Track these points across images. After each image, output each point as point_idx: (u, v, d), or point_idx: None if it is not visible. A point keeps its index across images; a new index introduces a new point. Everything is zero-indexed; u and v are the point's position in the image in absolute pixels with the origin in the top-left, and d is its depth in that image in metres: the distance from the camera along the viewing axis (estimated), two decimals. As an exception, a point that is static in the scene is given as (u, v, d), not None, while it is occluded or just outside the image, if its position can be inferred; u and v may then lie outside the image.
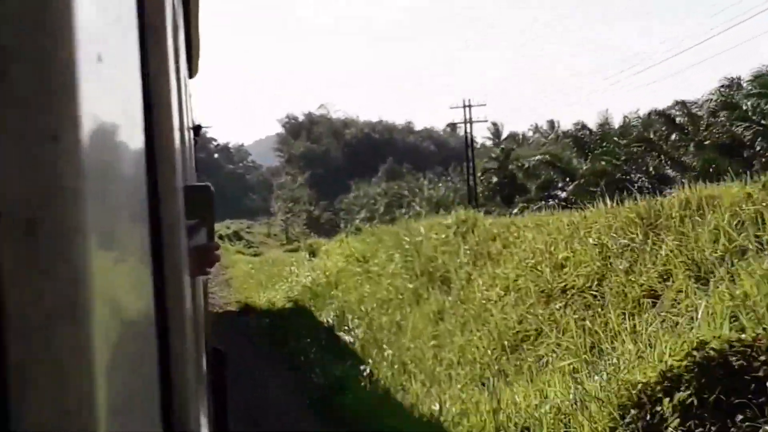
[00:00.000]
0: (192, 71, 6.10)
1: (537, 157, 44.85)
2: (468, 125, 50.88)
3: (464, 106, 49.44)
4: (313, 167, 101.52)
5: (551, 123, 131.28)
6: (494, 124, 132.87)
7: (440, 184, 72.43)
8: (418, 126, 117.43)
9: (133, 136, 1.05)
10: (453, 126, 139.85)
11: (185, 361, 1.70)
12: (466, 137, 55.22)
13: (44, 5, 0.61)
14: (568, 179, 42.16)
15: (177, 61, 2.40)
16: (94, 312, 0.64)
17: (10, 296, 0.60)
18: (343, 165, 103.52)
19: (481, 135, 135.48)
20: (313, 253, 32.91)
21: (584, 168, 38.97)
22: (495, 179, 49.15)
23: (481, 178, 51.75)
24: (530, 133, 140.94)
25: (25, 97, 0.60)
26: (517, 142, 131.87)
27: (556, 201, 42.76)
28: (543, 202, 41.57)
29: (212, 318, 14.75)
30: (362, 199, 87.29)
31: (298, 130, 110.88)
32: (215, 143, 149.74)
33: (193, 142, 5.45)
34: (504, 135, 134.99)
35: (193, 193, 2.45)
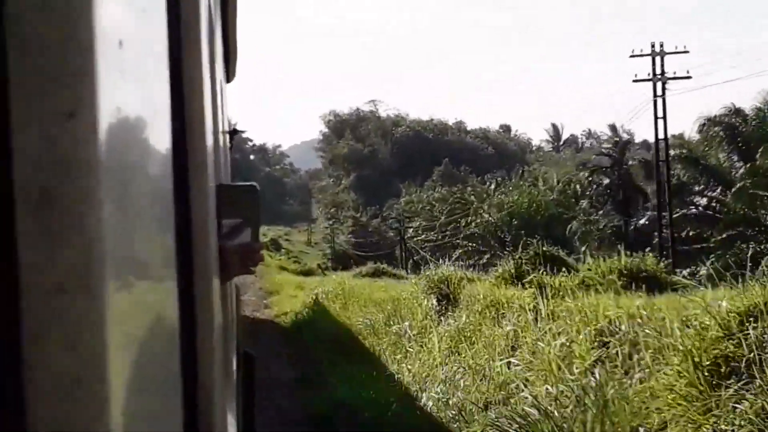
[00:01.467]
0: (229, 75, 6.04)
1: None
2: (659, 83, 33.30)
3: (653, 54, 33.74)
4: (359, 169, 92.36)
5: (612, 127, 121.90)
6: (553, 126, 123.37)
7: (510, 188, 62.71)
8: (470, 125, 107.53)
9: (157, 126, 1.06)
10: (507, 128, 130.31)
11: (212, 358, 1.70)
12: (655, 105, 33.76)
13: None
14: (712, 180, 32.11)
15: (212, 63, 2.40)
16: (107, 284, 0.65)
17: (25, 264, 0.62)
18: (392, 167, 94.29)
19: (538, 137, 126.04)
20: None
21: (745, 166, 28.97)
22: (606, 180, 39.19)
23: (588, 178, 41.83)
24: (583, 138, 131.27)
25: (45, 76, 0.63)
26: (578, 147, 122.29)
27: (696, 209, 33.06)
28: (680, 211, 31.88)
29: (244, 322, 13.13)
30: (416, 204, 77.80)
31: (342, 128, 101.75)
32: (251, 143, 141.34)
33: (228, 145, 5.36)
34: (564, 138, 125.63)
35: (239, 192, 2.58)
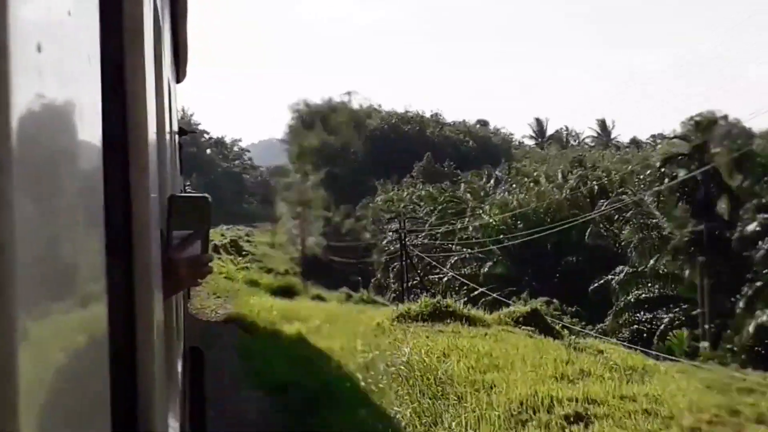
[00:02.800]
0: (179, 75, 6.03)
1: None
2: None
3: None
4: (330, 164, 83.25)
5: (602, 123, 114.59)
6: (537, 120, 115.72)
7: (514, 185, 54.36)
8: (448, 118, 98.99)
9: (87, 129, 1.04)
10: (485, 122, 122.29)
11: (151, 365, 1.70)
12: None
13: None
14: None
15: (159, 63, 2.37)
16: (16, 289, 0.62)
17: None
18: (366, 162, 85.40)
19: (520, 133, 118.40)
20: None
21: None
22: (681, 172, 30.77)
23: (662, 170, 33.41)
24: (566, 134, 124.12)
25: None
26: (563, 143, 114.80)
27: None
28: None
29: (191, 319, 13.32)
30: (396, 203, 69.07)
31: (312, 120, 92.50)
32: (207, 136, 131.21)
33: (177, 146, 5.55)
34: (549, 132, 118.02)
35: (190, 203, 2.59)
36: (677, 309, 30.64)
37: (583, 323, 35.54)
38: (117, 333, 1.29)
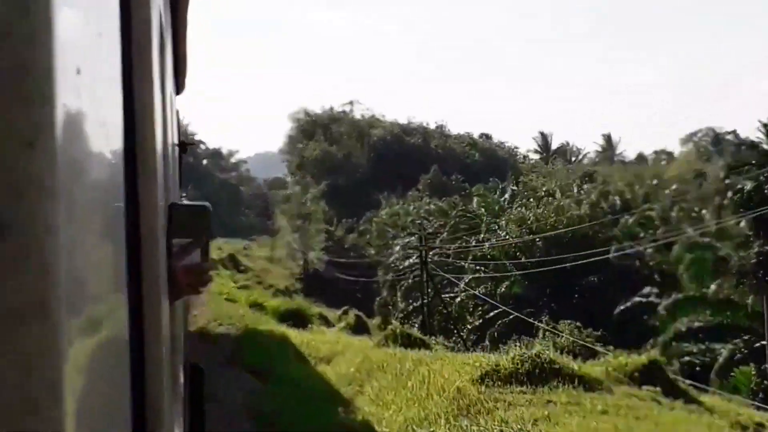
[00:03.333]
0: (179, 87, 6.10)
1: None
2: None
3: None
4: (332, 175, 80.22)
5: (607, 137, 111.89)
6: (542, 134, 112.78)
7: (531, 200, 51.37)
8: (453, 130, 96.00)
9: (110, 148, 1.10)
10: (488, 136, 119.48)
11: (160, 375, 1.72)
12: None
13: (24, 14, 0.64)
14: None
15: (163, 77, 2.39)
16: (63, 310, 0.65)
17: None
18: (368, 174, 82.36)
19: (525, 147, 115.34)
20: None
21: None
22: (747, 185, 27.69)
23: (725, 180, 30.35)
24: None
25: (3, 103, 0.63)
26: (568, 157, 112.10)
27: None
28: None
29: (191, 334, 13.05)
30: (402, 217, 66.10)
31: (313, 130, 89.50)
32: (203, 147, 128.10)
33: (178, 159, 5.52)
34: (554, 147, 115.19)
35: (191, 211, 2.56)
36: (737, 340, 27.67)
37: (611, 347, 32.60)
38: (131, 343, 1.32)
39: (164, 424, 1.75)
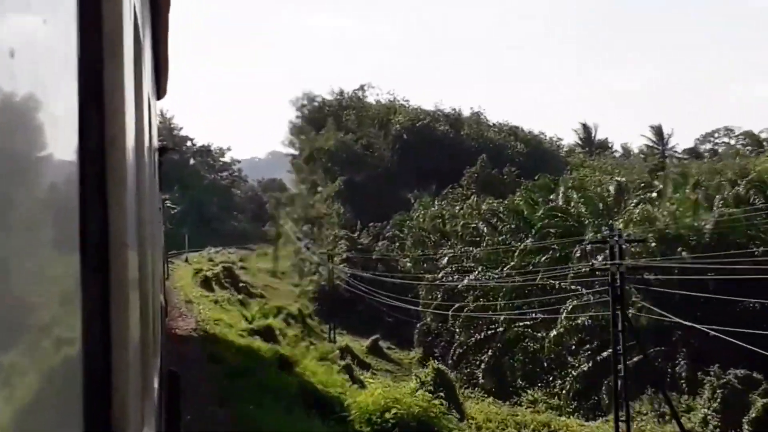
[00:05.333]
0: (160, 92, 6.08)
1: None
2: None
3: None
4: (349, 170, 65.76)
5: (658, 129, 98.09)
6: (584, 126, 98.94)
7: (646, 196, 37.09)
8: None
9: (61, 136, 1.07)
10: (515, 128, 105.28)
11: (127, 381, 1.69)
12: None
13: None
14: None
15: (138, 80, 2.38)
16: None
17: None
18: (393, 168, 67.93)
19: (567, 140, 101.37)
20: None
21: None
22: None
23: None
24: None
25: None
26: (607, 150, 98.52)
27: None
28: None
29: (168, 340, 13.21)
30: (448, 221, 51.92)
31: (321, 117, 75.06)
32: (191, 143, 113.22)
33: (157, 163, 5.44)
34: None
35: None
36: None
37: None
38: (93, 348, 1.28)
39: (131, 430, 1.70)
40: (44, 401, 0.88)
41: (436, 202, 59.87)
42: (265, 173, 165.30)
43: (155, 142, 5.07)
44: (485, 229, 47.15)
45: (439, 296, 45.82)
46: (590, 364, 33.02)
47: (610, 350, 32.57)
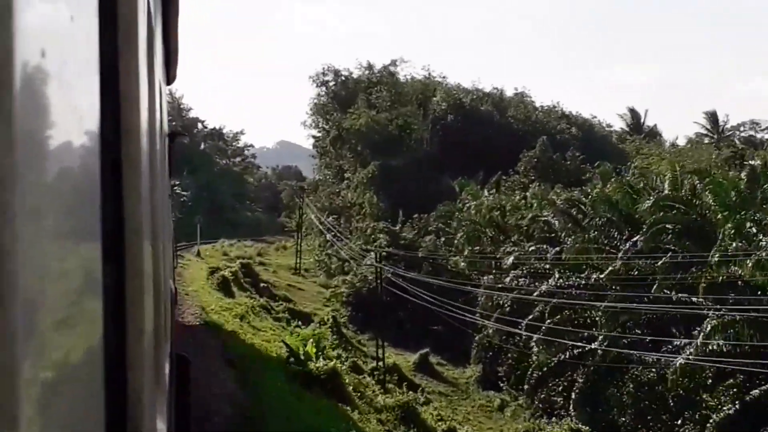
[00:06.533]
0: (170, 77, 6.11)
1: None
2: None
3: None
4: (383, 154, 57.62)
5: (712, 115, 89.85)
6: (631, 111, 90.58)
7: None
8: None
9: (85, 132, 1.10)
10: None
11: (142, 368, 1.71)
12: None
13: None
14: None
15: (151, 67, 2.40)
16: (18, 295, 0.63)
17: None
18: (434, 152, 59.77)
19: (618, 124, 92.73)
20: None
21: None
22: None
23: None
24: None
25: None
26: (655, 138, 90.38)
27: None
28: None
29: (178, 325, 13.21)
30: (511, 213, 43.88)
31: (348, 95, 66.85)
32: (202, 126, 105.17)
33: (167, 149, 5.44)
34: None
35: None
36: None
37: None
38: (108, 336, 1.33)
39: (145, 416, 1.73)
40: (67, 389, 0.90)
41: (486, 191, 51.71)
42: (275, 163, 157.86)
43: (166, 128, 5.00)
44: (557, 223, 39.04)
45: (505, 304, 37.69)
46: (737, 406, 24.88)
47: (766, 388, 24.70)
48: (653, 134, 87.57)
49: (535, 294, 34.46)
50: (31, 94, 0.70)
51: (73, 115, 0.95)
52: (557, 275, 34.17)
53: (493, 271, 41.70)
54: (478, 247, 44.96)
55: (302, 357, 19.77)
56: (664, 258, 28.37)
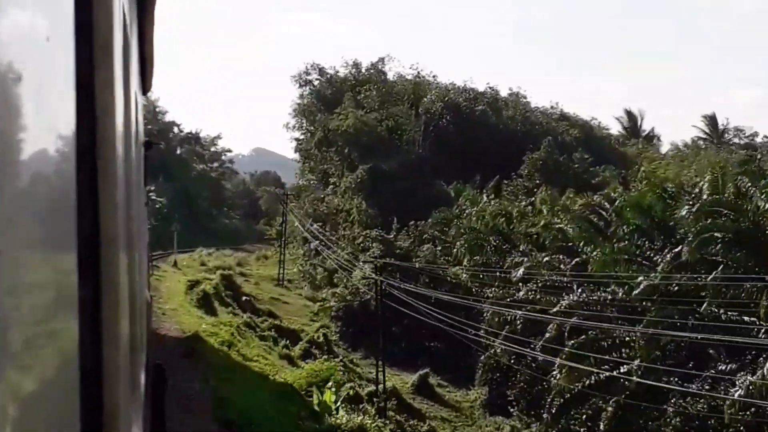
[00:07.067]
0: (146, 87, 6.05)
1: None
2: None
3: None
4: (372, 157, 53.75)
5: (711, 118, 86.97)
6: (628, 113, 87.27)
7: None
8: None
9: (62, 151, 1.11)
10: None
11: (117, 378, 1.69)
12: None
13: None
14: None
15: (126, 77, 2.39)
16: None
17: None
18: (426, 155, 56.02)
19: (616, 127, 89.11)
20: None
21: None
22: None
23: None
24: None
25: None
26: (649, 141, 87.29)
27: None
28: None
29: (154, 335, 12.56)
30: (517, 221, 40.22)
31: (334, 95, 62.95)
32: (178, 129, 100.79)
33: (143, 158, 5.40)
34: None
35: None
36: None
37: None
38: (83, 346, 1.32)
39: (121, 426, 1.70)
40: (42, 396, 0.89)
41: (485, 196, 48.02)
42: (250, 170, 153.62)
43: (142, 137, 5.12)
44: (572, 231, 35.37)
45: (517, 320, 33.89)
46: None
47: None
48: (650, 138, 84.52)
49: (553, 310, 30.77)
50: (2, 103, 0.69)
51: (47, 125, 0.94)
52: (579, 290, 30.52)
53: (498, 284, 38.00)
54: (479, 258, 41.23)
55: (317, 407, 15.84)
56: (714, 272, 24.76)
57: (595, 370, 27.31)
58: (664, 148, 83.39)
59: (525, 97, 66.51)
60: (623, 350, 28.51)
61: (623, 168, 56.69)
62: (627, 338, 28.63)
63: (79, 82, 1.28)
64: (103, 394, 1.62)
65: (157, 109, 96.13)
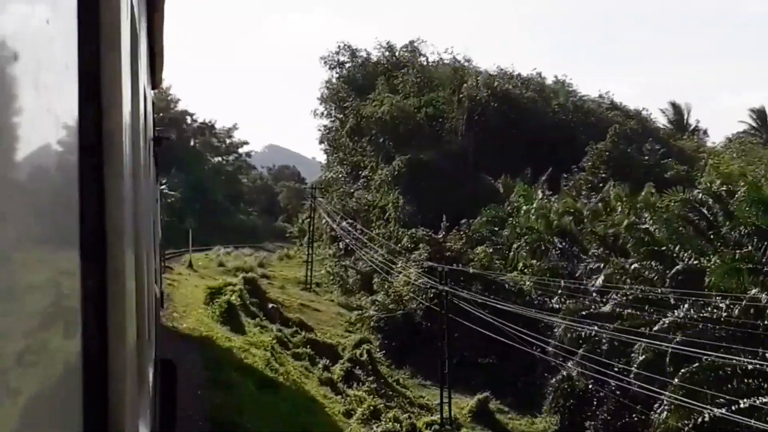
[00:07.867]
0: (156, 82, 6.14)
1: None
2: None
3: None
4: (410, 148, 48.41)
5: (761, 112, 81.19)
6: (673, 105, 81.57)
7: None
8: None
9: (64, 140, 1.12)
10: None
11: (124, 374, 1.69)
12: None
13: None
14: None
15: (135, 73, 2.35)
16: None
17: None
18: (470, 145, 50.60)
19: (661, 120, 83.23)
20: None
21: None
22: None
23: None
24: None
25: None
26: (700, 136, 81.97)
27: None
28: None
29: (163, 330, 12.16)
30: (588, 220, 34.83)
31: (367, 79, 57.65)
32: (191, 119, 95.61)
33: (152, 153, 5.41)
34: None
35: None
36: None
37: None
38: (88, 339, 1.30)
39: (126, 420, 1.71)
40: (45, 389, 0.89)
41: (540, 192, 42.63)
42: (265, 166, 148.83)
43: (151, 133, 5.14)
44: (660, 232, 29.96)
45: (602, 339, 28.53)
46: None
47: None
48: (695, 131, 78.82)
49: (655, 328, 25.44)
50: (1, 96, 0.68)
51: (48, 119, 0.94)
52: (685, 305, 25.17)
53: (568, 293, 32.64)
54: (539, 262, 35.86)
55: None
56: None
57: (716, 410, 21.96)
58: (710, 143, 77.95)
59: (570, 86, 61.03)
60: (747, 381, 23.24)
61: (682, 163, 51.40)
62: (750, 366, 23.36)
63: (84, 75, 1.26)
64: (108, 387, 1.60)
65: (169, 97, 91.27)
